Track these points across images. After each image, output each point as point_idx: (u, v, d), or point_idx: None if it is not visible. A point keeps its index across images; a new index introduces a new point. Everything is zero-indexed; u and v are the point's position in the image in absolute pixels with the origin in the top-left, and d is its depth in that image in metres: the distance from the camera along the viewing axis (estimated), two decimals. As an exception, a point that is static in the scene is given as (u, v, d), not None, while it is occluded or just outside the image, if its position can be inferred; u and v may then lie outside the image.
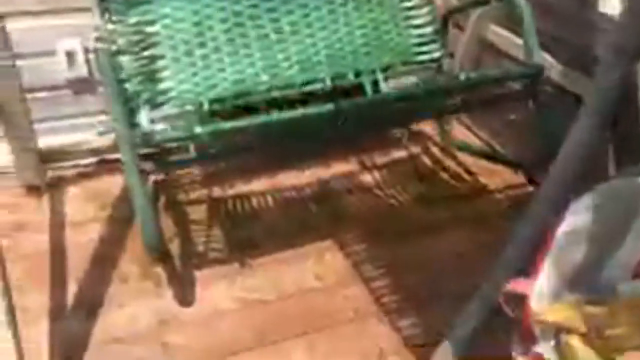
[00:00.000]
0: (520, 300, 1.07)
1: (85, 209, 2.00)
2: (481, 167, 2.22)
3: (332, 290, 1.75)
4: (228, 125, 1.59)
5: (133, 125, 1.64)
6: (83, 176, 2.14)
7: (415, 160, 2.32)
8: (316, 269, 1.82)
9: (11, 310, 1.23)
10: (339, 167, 2.26)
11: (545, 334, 1.03)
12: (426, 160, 2.33)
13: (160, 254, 1.70)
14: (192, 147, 1.73)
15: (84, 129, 2.06)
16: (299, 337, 1.60)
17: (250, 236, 1.92)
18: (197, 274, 1.79)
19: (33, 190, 2.04)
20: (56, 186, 2.10)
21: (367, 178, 2.22)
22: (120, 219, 1.94)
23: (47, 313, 1.63)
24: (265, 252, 1.86)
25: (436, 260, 1.81)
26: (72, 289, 1.72)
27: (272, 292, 1.74)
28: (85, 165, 2.15)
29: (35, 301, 1.65)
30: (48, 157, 2.07)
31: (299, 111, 1.67)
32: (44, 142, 2.05)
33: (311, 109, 1.67)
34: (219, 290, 1.74)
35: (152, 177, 2.00)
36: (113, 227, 1.93)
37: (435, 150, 2.36)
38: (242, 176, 2.17)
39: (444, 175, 2.24)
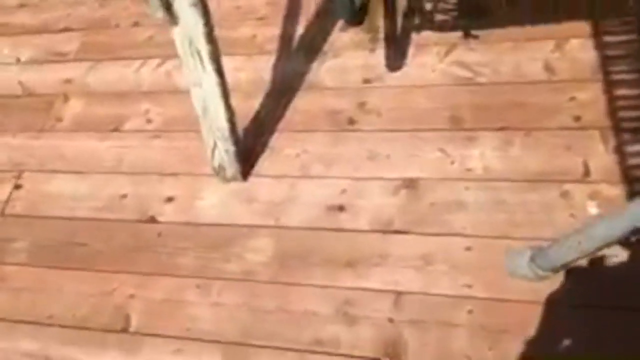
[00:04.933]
0: None
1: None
2: None
3: (560, 88, 1.44)
4: None
5: None
6: None
7: None
8: (551, 58, 1.49)
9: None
10: None
11: None
12: None
13: (356, 20, 1.60)
14: None
15: None
16: (497, 130, 1.41)
17: (488, 1, 1.62)
18: (415, 36, 1.64)
19: None
20: None
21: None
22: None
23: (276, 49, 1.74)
24: (498, 24, 1.57)
25: None
26: (299, 28, 1.77)
27: (487, 74, 1.51)
28: None
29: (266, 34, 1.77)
30: None
31: None
32: None
33: None
34: (432, 58, 1.58)
35: None
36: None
37: None
38: None
39: None
